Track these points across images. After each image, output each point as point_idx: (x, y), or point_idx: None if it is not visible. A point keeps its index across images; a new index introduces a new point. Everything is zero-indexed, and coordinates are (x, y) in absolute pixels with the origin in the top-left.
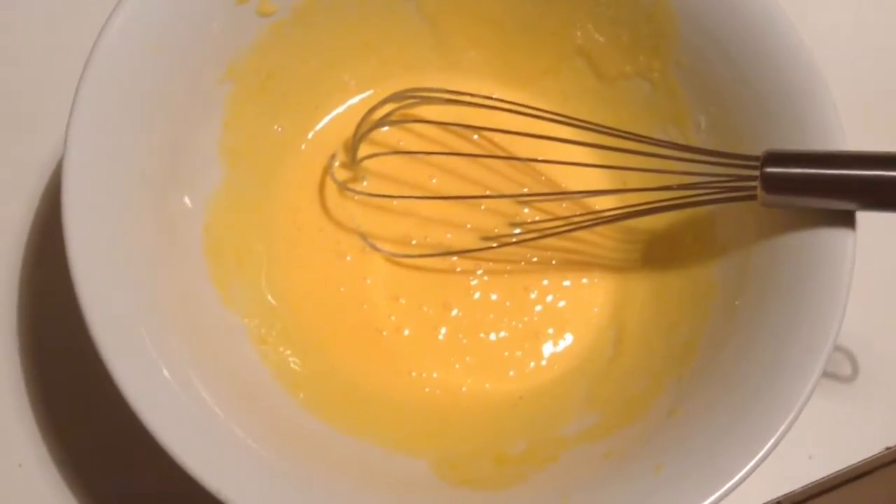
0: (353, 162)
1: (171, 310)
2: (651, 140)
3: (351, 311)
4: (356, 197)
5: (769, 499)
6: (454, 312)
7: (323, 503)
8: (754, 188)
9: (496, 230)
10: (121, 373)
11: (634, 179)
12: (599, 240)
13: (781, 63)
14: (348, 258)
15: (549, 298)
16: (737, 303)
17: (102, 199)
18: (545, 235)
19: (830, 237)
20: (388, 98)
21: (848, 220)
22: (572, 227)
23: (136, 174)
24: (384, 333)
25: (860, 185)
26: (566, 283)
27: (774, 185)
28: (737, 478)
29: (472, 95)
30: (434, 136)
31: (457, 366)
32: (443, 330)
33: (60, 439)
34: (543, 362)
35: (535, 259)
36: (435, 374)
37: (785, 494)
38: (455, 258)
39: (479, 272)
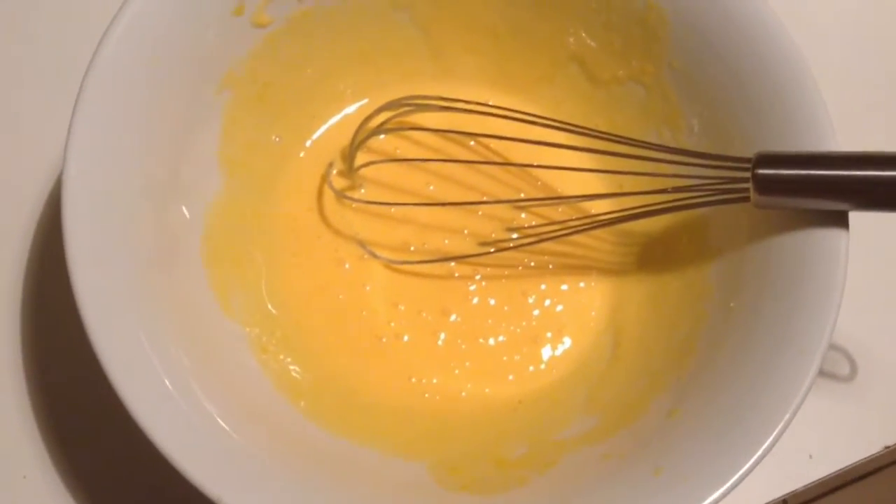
0: (350, 170)
1: (171, 319)
2: (645, 144)
3: (350, 317)
4: (354, 205)
5: (770, 499)
6: (453, 318)
7: None
8: (747, 190)
9: (493, 235)
10: (122, 383)
11: (629, 183)
12: (596, 243)
13: (773, 65)
14: (347, 265)
15: (547, 302)
16: (732, 304)
17: (102, 209)
18: (542, 240)
19: (824, 237)
20: (383, 106)
21: (841, 221)
22: (569, 231)
23: (136, 184)
24: (384, 340)
25: (852, 185)
26: (564, 286)
27: (767, 186)
28: (735, 478)
29: (467, 102)
30: (430, 143)
31: (456, 371)
32: (442, 335)
33: (64, 450)
34: (542, 366)
35: (532, 263)
36: (435, 380)
37: (787, 494)
38: (453, 264)
39: (478, 277)
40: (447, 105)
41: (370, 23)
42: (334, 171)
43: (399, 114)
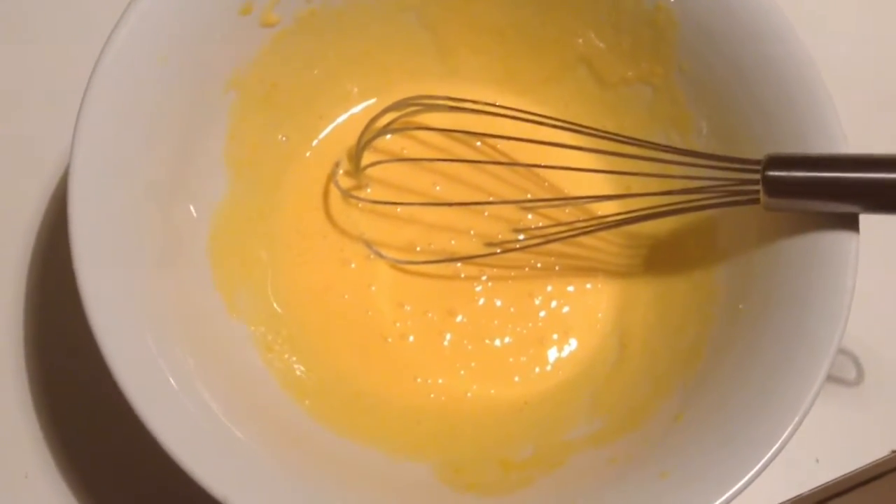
0: (356, 170)
1: (176, 318)
2: (653, 145)
3: (356, 318)
4: (360, 204)
5: (777, 503)
6: (459, 318)
7: None
8: (757, 192)
9: (500, 236)
10: (127, 382)
11: (637, 184)
12: (602, 245)
13: (782, 67)
14: (353, 265)
15: (554, 304)
16: (740, 307)
17: (108, 208)
18: (549, 241)
19: (833, 240)
20: (390, 106)
21: (851, 223)
22: (575, 232)
23: (142, 183)
24: (389, 340)
25: (863, 187)
26: (570, 288)
27: (777, 188)
28: (742, 482)
29: (474, 102)
30: (437, 143)
31: (462, 372)
32: (448, 336)
33: (66, 449)
34: (548, 368)
35: (538, 265)
36: (440, 380)
37: (792, 499)
38: (459, 264)
39: (484, 278)
40: (454, 105)
41: (377, 23)
42: (340, 171)
43: (406, 114)
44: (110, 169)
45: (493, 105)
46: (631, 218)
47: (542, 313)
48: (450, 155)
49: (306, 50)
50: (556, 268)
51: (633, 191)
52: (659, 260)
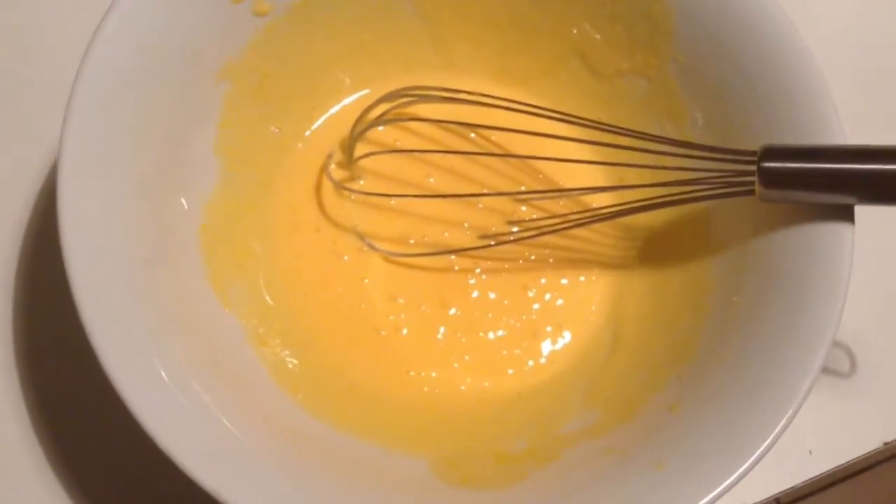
0: (349, 161)
1: (168, 311)
2: (648, 136)
3: (349, 310)
4: (353, 196)
5: (769, 494)
6: (452, 311)
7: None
8: (752, 183)
9: (494, 228)
10: (118, 375)
11: (632, 176)
12: (597, 237)
13: (778, 58)
14: (346, 258)
15: (548, 296)
16: (735, 298)
17: (98, 201)
18: (543, 233)
19: (829, 231)
20: (384, 97)
21: (846, 215)
22: (570, 224)
23: (132, 175)
24: (382, 333)
25: (858, 179)
26: (564, 280)
27: (772, 179)
28: (738, 473)
29: (468, 93)
30: (431, 134)
31: (456, 365)
32: (441, 329)
33: (58, 445)
34: (542, 360)
35: (532, 257)
36: (434, 374)
37: (785, 490)
38: (453, 257)
39: (478, 271)
40: (448, 96)
41: (371, 12)
42: (333, 163)
43: (399, 104)
44: (100, 162)
45: (488, 96)
46: (625, 210)
47: (536, 306)
48: (443, 146)
49: (299, 39)
50: (550, 260)
51: (628, 182)
52: (653, 252)
